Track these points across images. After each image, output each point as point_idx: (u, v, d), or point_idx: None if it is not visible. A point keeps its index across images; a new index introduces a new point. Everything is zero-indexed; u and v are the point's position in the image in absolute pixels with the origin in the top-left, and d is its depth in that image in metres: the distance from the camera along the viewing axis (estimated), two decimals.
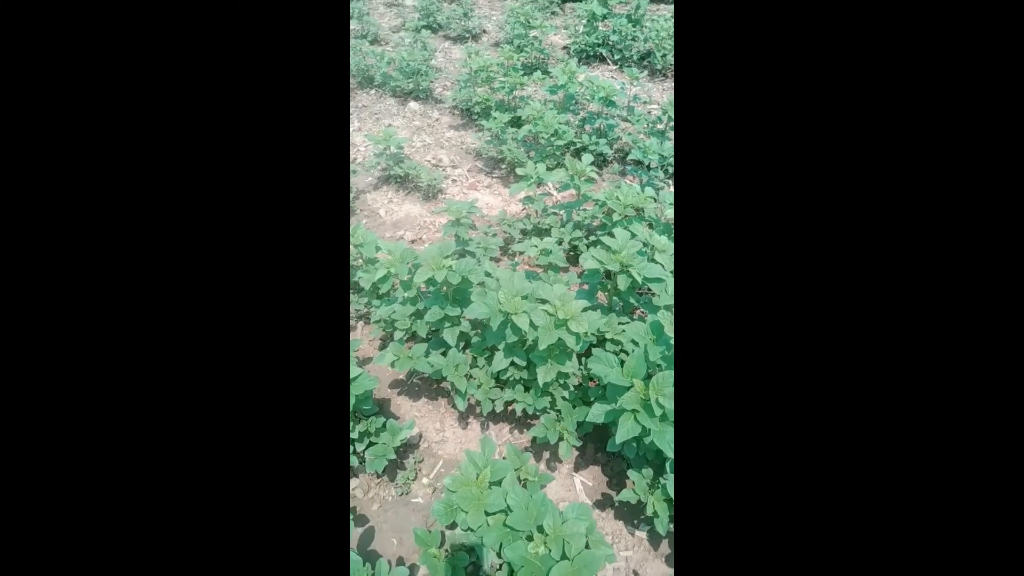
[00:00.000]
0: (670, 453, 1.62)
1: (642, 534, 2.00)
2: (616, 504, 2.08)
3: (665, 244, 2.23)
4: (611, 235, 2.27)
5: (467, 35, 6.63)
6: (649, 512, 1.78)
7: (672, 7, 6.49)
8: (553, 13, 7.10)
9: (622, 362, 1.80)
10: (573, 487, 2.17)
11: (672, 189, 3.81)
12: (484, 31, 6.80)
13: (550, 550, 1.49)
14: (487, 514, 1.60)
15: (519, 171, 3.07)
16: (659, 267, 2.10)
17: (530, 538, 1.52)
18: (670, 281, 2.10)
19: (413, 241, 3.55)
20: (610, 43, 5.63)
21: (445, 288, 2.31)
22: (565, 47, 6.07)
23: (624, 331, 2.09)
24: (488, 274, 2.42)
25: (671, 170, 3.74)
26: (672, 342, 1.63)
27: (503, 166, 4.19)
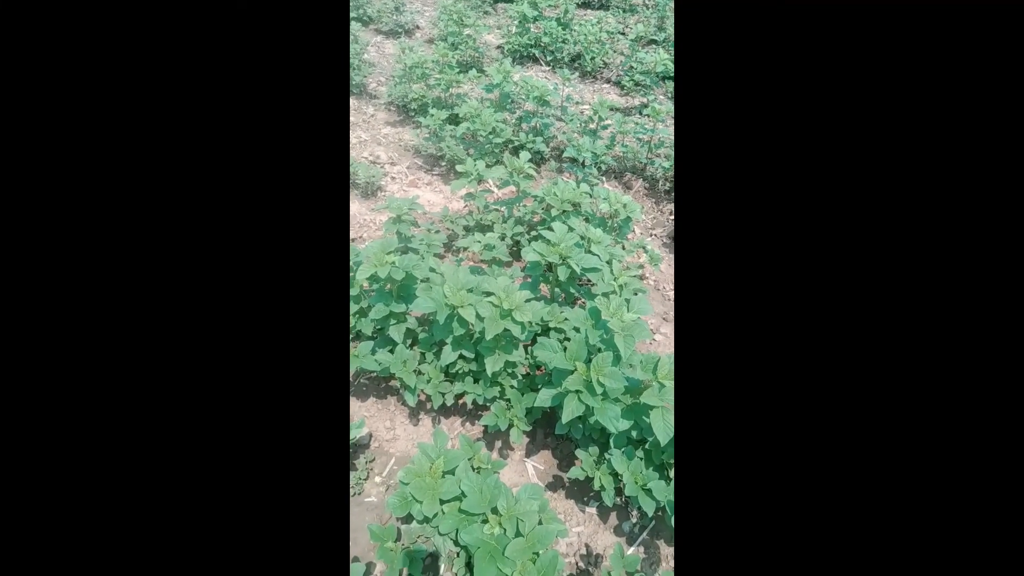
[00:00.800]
0: (613, 429, 1.74)
1: (592, 510, 2.12)
2: (567, 484, 2.18)
3: (600, 236, 2.36)
4: (551, 229, 2.37)
5: (400, 30, 6.52)
6: (596, 487, 1.90)
7: (598, 12, 6.77)
8: (486, 12, 7.15)
9: (565, 348, 1.90)
10: (525, 472, 2.25)
11: (606, 185, 4.01)
12: (417, 27, 6.71)
13: (505, 530, 1.55)
14: (442, 502, 1.63)
15: (459, 168, 3.10)
16: (595, 258, 2.23)
17: (485, 521, 1.57)
18: (606, 270, 2.24)
19: (353, 240, 3.47)
20: (542, 44, 5.78)
21: (389, 285, 2.30)
22: (499, 46, 6.15)
23: (567, 319, 2.20)
24: (432, 270, 2.43)
25: (603, 167, 3.94)
26: (609, 325, 1.76)
27: (443, 163, 4.19)
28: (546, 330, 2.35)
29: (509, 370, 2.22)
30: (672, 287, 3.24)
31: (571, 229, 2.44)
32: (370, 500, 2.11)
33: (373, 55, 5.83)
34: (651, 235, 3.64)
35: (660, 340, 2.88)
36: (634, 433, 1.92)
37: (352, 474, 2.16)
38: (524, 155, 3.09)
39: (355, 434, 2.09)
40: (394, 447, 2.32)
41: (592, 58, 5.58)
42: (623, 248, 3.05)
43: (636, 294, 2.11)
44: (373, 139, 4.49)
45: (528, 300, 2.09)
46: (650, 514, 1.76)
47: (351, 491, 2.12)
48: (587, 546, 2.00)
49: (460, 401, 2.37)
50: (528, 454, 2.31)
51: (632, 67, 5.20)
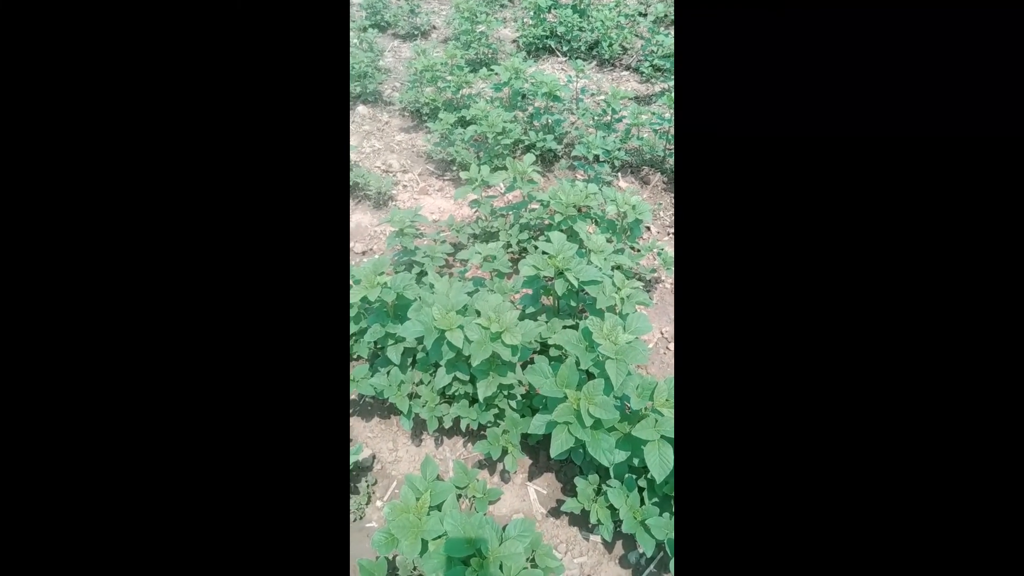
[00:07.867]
0: (606, 462, 1.61)
1: (596, 538, 2.00)
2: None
3: (601, 245, 2.21)
4: (549, 241, 2.24)
5: (416, 32, 6.48)
6: (593, 520, 1.78)
7: None
8: (502, 6, 6.98)
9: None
10: (527, 496, 2.16)
11: (622, 181, 3.79)
12: (433, 27, 6.65)
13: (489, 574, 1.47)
14: (426, 541, 1.57)
15: (463, 175, 3.01)
16: (595, 269, 2.08)
17: (467, 564, 1.50)
18: (607, 282, 2.09)
19: (364, 252, 3.47)
20: (558, 35, 5.56)
21: (387, 305, 2.26)
22: (514, 40, 5.98)
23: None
24: (431, 285, 2.37)
25: (618, 162, 3.73)
26: (600, 350, 1.62)
27: (454, 168, 4.11)
28: (546, 346, 2.23)
29: (505, 392, 2.13)
30: None
31: (574, 236, 2.30)
32: (371, 525, 2.09)
33: (390, 60, 5.83)
34: (669, 234, 3.40)
35: (670, 359, 2.68)
36: (636, 460, 1.78)
37: (353, 498, 2.15)
38: (528, 157, 2.95)
39: (355, 458, 2.07)
40: (396, 469, 2.29)
41: (610, 45, 5.30)
42: (635, 250, 2.86)
43: (636, 309, 1.95)
44: (387, 147, 4.49)
45: (524, 317, 1.98)
46: (648, 554, 1.62)
47: (352, 516, 2.11)
48: None
49: (460, 422, 2.30)
50: (531, 477, 2.22)
51: (653, 51, 4.89)
